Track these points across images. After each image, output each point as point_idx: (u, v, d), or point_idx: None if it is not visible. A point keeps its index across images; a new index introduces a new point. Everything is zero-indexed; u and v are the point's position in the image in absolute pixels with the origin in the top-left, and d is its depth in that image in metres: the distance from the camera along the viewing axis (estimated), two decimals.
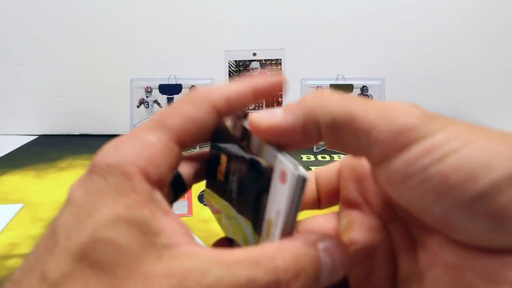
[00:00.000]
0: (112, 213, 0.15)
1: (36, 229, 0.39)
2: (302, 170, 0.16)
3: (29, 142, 0.70)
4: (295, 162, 0.17)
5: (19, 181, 0.51)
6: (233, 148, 0.20)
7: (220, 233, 0.25)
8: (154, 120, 0.18)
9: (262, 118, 0.18)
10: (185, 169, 0.21)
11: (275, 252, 0.15)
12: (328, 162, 0.58)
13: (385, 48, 0.72)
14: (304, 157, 0.60)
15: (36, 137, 0.73)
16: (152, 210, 0.16)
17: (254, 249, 0.15)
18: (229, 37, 0.71)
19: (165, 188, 0.17)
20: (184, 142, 0.18)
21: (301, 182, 0.16)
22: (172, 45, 0.72)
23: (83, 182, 0.16)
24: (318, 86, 0.64)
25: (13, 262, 0.34)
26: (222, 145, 0.21)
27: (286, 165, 0.17)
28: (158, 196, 0.16)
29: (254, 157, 0.19)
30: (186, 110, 0.18)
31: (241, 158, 0.19)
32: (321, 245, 0.16)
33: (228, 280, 0.14)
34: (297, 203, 0.16)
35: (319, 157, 0.61)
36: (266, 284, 0.14)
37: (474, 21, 0.71)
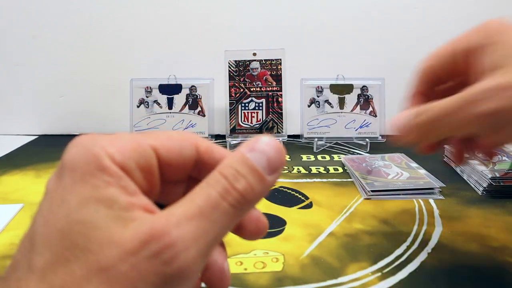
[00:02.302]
0: (81, 196, 0.16)
1: None
2: None
3: (29, 142, 0.70)
4: None
5: (19, 181, 0.51)
6: None
7: None
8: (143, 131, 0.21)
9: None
10: None
11: (216, 173, 0.18)
12: (328, 162, 0.58)
13: (385, 48, 0.72)
14: (304, 157, 0.60)
15: (36, 137, 0.73)
16: (119, 188, 0.17)
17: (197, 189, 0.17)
18: (229, 37, 0.72)
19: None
20: (162, 155, 0.19)
21: None
22: (172, 45, 0.72)
23: (57, 171, 0.18)
24: (318, 86, 0.64)
25: None
26: None
27: None
28: (126, 178, 0.17)
29: None
30: (174, 134, 0.20)
31: None
32: (245, 149, 0.18)
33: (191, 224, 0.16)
34: None
35: (319, 157, 0.61)
36: (220, 198, 0.17)
37: (474, 21, 0.71)
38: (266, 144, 0.18)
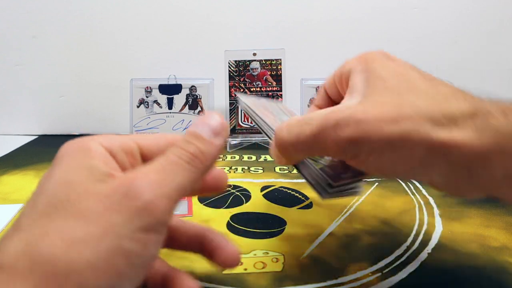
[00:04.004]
0: (68, 166, 0.20)
1: None
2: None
3: (29, 142, 0.70)
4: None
5: (19, 181, 0.51)
6: None
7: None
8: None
9: None
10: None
11: (173, 146, 0.22)
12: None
13: (385, 48, 0.72)
14: None
15: (36, 137, 0.73)
16: (102, 162, 0.21)
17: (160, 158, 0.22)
18: (229, 37, 0.72)
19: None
20: (141, 143, 0.24)
21: None
22: (172, 45, 0.72)
23: (53, 161, 0.22)
24: (318, 86, 0.64)
25: None
26: None
27: None
28: (109, 157, 0.22)
29: None
30: (158, 136, 0.25)
31: None
32: (192, 127, 0.23)
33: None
34: None
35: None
36: (177, 158, 0.21)
37: (474, 21, 0.71)
38: (206, 117, 0.24)
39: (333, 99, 0.33)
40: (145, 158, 0.24)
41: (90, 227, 0.18)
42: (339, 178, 0.28)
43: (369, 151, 0.23)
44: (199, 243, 0.26)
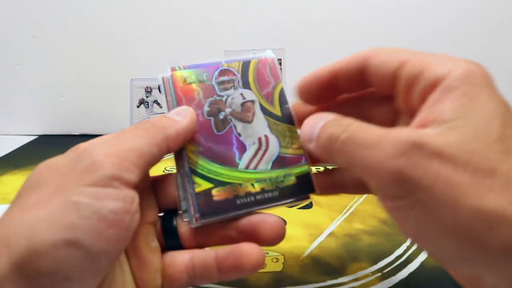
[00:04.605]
0: (62, 155, 0.22)
1: None
2: None
3: (29, 142, 0.70)
4: None
5: (19, 181, 0.51)
6: None
7: None
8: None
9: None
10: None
11: None
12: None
13: None
14: None
15: (36, 137, 0.73)
16: (90, 154, 0.21)
17: None
18: (229, 37, 0.71)
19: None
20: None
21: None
22: (172, 45, 0.72)
23: None
24: None
25: None
26: None
27: None
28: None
29: None
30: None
31: None
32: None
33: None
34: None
35: None
36: (134, 127, 0.23)
37: (474, 21, 0.71)
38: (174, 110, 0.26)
39: (335, 91, 0.27)
40: None
41: (42, 192, 0.19)
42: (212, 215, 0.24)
43: (420, 202, 0.17)
44: None
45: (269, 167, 0.26)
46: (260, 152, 0.26)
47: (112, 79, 0.72)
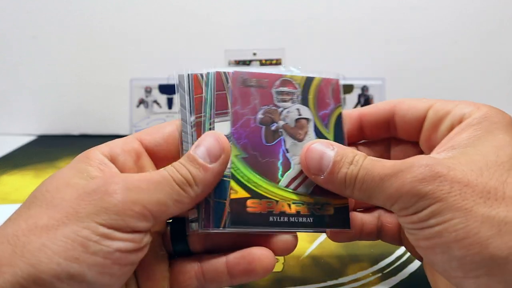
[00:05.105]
0: (65, 168, 0.22)
1: None
2: None
3: (29, 142, 0.70)
4: None
5: (18, 181, 0.51)
6: None
7: None
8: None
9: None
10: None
11: (169, 165, 0.23)
12: None
13: (385, 48, 0.72)
14: None
15: (36, 137, 0.73)
16: (97, 168, 0.22)
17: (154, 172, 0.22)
18: (229, 37, 0.71)
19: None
20: (145, 140, 0.25)
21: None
22: (172, 44, 0.72)
23: None
24: None
25: None
26: None
27: None
28: (108, 162, 0.23)
29: None
30: (162, 124, 0.26)
31: None
32: (192, 147, 0.23)
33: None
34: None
35: None
36: (168, 175, 0.22)
37: (474, 21, 0.71)
38: (207, 137, 0.23)
39: (363, 136, 0.29)
40: (152, 151, 0.25)
41: (56, 213, 0.19)
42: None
43: (436, 212, 0.19)
44: None
45: (310, 191, 0.25)
46: (304, 174, 0.25)
47: (112, 79, 0.72)
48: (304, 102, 0.27)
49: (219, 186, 0.24)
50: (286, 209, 0.24)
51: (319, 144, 0.24)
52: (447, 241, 0.19)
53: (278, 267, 0.32)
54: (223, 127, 0.25)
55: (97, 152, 0.23)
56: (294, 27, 0.71)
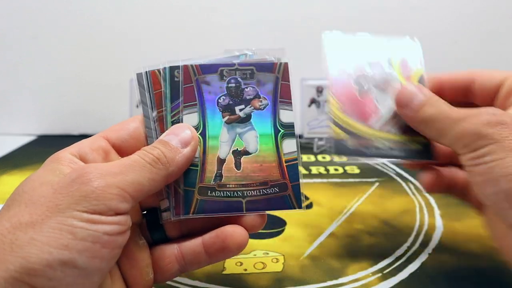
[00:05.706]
0: (39, 170, 0.22)
1: None
2: None
3: (29, 142, 0.70)
4: None
5: (19, 181, 0.51)
6: None
7: None
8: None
9: None
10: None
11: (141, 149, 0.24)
12: (328, 162, 0.58)
13: None
14: (304, 157, 0.60)
15: (36, 137, 0.73)
16: (67, 166, 0.22)
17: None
18: (229, 37, 0.71)
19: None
20: (111, 138, 0.26)
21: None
22: (172, 44, 0.72)
23: None
24: (318, 86, 0.64)
25: None
26: None
27: None
28: (77, 160, 0.23)
29: None
30: (127, 121, 0.28)
31: None
32: (162, 135, 0.25)
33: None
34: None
35: (319, 157, 0.61)
36: (139, 158, 0.23)
37: (474, 21, 0.71)
38: (177, 128, 0.25)
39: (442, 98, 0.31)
40: (119, 147, 0.26)
41: (37, 209, 0.19)
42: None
43: (492, 150, 0.24)
44: None
45: (399, 132, 0.31)
46: (394, 120, 0.31)
47: (111, 79, 0.72)
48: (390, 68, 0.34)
49: (188, 175, 0.25)
50: (379, 145, 0.30)
51: (412, 85, 0.30)
52: (497, 176, 0.23)
53: (278, 267, 0.32)
54: (191, 119, 0.27)
55: (66, 153, 0.23)
56: (294, 27, 0.71)
